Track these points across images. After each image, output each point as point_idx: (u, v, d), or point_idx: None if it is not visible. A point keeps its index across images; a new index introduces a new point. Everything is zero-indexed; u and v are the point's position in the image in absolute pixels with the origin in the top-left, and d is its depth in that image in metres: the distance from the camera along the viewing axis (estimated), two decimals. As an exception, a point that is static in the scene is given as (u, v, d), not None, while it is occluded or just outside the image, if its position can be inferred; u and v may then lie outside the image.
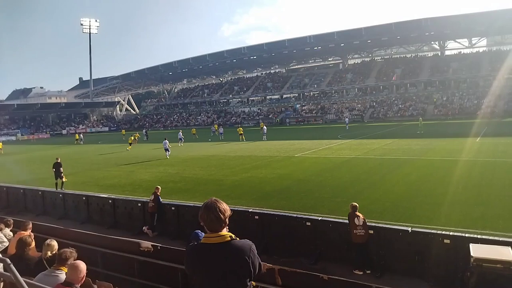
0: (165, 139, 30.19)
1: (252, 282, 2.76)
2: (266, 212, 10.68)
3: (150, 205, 11.60)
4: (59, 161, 18.72)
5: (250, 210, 10.48)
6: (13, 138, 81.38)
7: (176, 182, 18.91)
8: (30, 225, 6.63)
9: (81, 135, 59.06)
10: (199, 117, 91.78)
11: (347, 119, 58.35)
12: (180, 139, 40.88)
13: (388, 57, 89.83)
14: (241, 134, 41.91)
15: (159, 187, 12.06)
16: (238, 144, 37.32)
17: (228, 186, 17.02)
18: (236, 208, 10.75)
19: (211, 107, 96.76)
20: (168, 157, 28.79)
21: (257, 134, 46.20)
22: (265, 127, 43.59)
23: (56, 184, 18.36)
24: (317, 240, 9.06)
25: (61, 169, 18.60)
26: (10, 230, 6.89)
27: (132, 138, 42.23)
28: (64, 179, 18.60)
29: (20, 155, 41.92)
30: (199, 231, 4.97)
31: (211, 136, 50.75)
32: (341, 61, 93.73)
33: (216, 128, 57.78)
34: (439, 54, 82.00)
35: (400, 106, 69.59)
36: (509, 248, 6.48)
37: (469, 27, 67.35)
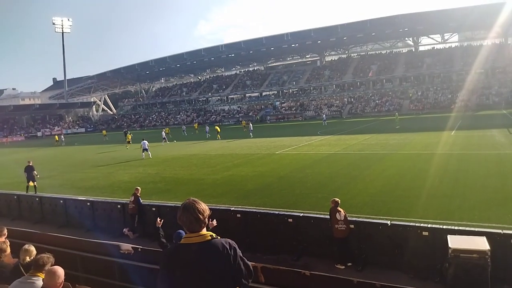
0: (143, 140, 29.88)
1: None
2: (248, 210, 10.70)
3: (130, 206, 11.42)
4: (31, 164, 18.29)
5: (232, 209, 10.45)
6: (-15, 141, 78.67)
7: (156, 182, 18.68)
8: (5, 231, 6.40)
9: (62, 136, 57.83)
10: (178, 116, 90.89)
11: (324, 115, 59.40)
12: (164, 138, 41.27)
13: (364, 53, 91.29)
14: (218, 132, 42.73)
15: (139, 188, 11.88)
16: (221, 143, 37.16)
17: (209, 185, 16.93)
18: (218, 207, 10.72)
19: (190, 106, 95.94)
20: (143, 157, 28.50)
21: (239, 132, 46.25)
22: (251, 124, 44.23)
23: (27, 187, 17.92)
24: (299, 236, 9.12)
25: (35, 172, 18.16)
26: (-16, 237, 6.64)
27: (130, 136, 42.70)
28: (34, 183, 18.07)
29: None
30: (182, 231, 4.94)
31: (183, 136, 50.35)
32: (318, 58, 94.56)
33: (196, 127, 57.75)
34: (413, 50, 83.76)
35: (377, 101, 70.76)
36: (484, 238, 6.69)
37: (441, 23, 69.06)
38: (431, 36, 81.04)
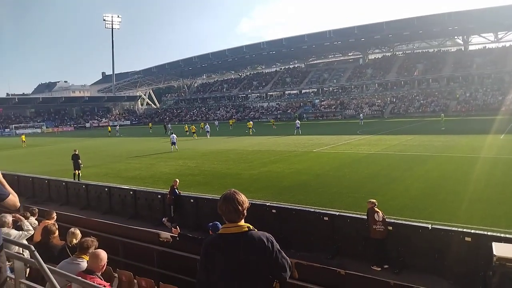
0: (172, 133, 32.54)
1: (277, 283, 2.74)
2: (283, 206, 10.70)
3: (167, 196, 11.87)
4: (77, 152, 19.45)
5: (267, 204, 10.52)
6: (38, 130, 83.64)
7: (195, 175, 19.11)
8: (54, 215, 6.82)
9: (117, 127, 61.80)
10: (218, 112, 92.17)
11: (361, 114, 58.33)
12: (208, 131, 43.44)
13: (409, 52, 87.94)
14: (250, 128, 44.55)
15: (177, 180, 12.24)
16: (258, 139, 37.31)
17: (246, 180, 17.10)
18: (253, 202, 10.79)
19: (230, 102, 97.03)
20: (172, 150, 30.04)
21: (275, 129, 46.40)
22: (298, 121, 44.69)
23: (74, 174, 19.07)
24: (335, 235, 9.04)
25: (80, 160, 19.24)
26: (35, 219, 7.10)
27: (194, 127, 46.00)
28: (79, 172, 19.17)
29: (45, 147, 43.04)
30: (218, 222, 5.08)
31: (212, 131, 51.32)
32: (361, 56, 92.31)
33: (231, 123, 59.75)
34: (463, 49, 79.73)
35: (421, 101, 68.16)
36: (534, 247, 6.32)
37: (494, 21, 65.10)
38: (482, 35, 76.72)
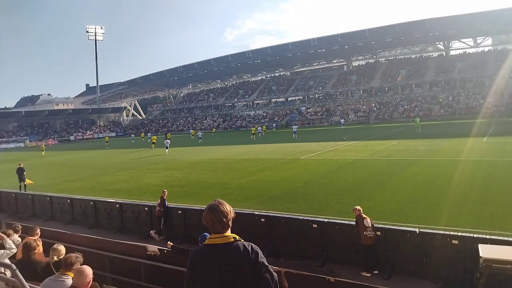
0: (166, 139, 39.77)
1: None
2: (272, 214, 10.67)
3: (156, 209, 11.67)
4: (21, 166, 20.46)
5: (256, 213, 10.46)
6: (21, 145, 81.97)
7: (183, 186, 18.94)
8: (38, 231, 6.67)
9: (133, 135, 69.39)
10: (205, 121, 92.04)
11: (342, 120, 62.61)
12: (200, 137, 50.95)
13: (392, 58, 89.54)
14: (254, 134, 49.60)
15: (165, 191, 12.09)
16: (245, 147, 37.30)
17: (234, 189, 17.02)
18: (242, 211, 10.76)
19: (216, 111, 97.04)
20: (166, 152, 36.05)
21: (262, 137, 46.44)
22: (294, 126, 49.87)
23: (20, 186, 19.87)
24: (324, 242, 9.02)
25: (24, 173, 20.28)
26: (19, 236, 6.92)
27: (155, 138, 49.18)
28: (27, 182, 20.21)
29: (30, 161, 42.18)
30: (207, 233, 5.02)
31: (191, 139, 56.12)
32: (345, 63, 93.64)
33: (213, 131, 65.21)
34: (444, 54, 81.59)
35: (405, 106, 69.26)
36: (519, 248, 6.41)
37: (473, 26, 66.92)
38: (462, 40, 78.65)
